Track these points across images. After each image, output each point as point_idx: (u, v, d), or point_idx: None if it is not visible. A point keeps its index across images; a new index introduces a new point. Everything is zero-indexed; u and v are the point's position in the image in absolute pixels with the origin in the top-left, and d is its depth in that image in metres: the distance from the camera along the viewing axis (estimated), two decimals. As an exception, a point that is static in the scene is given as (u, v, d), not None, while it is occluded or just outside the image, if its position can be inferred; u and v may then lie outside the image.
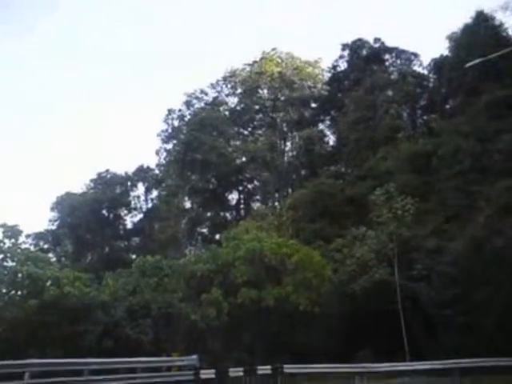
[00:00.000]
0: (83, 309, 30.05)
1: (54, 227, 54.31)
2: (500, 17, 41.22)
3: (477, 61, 20.39)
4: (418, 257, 28.70)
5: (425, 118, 49.44)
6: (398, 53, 53.22)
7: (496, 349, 22.03)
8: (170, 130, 59.19)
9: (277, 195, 56.78)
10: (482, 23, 41.39)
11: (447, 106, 46.54)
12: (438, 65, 46.99)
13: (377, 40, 53.88)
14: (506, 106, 34.65)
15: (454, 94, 43.89)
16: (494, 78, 37.23)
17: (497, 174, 30.16)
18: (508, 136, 31.56)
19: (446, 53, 46.19)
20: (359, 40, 54.38)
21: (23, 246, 35.91)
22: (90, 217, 51.79)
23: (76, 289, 30.75)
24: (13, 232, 33.81)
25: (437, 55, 47.92)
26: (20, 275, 31.85)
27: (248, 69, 61.35)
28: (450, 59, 43.90)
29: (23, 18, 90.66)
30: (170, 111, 59.65)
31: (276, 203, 55.77)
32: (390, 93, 47.80)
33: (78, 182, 69.82)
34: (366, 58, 53.69)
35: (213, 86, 61.76)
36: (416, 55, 52.26)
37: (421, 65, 51.66)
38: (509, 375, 20.32)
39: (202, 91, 61.28)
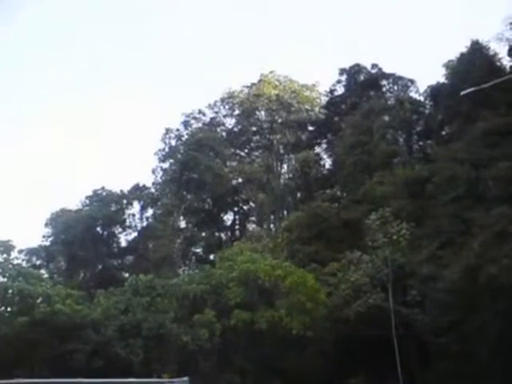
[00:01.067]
0: (73, 327, 29.75)
1: (47, 243, 53.80)
2: (495, 47, 42.03)
3: (471, 89, 20.69)
4: (412, 283, 28.59)
5: (421, 143, 49.85)
6: (395, 79, 53.90)
7: (492, 377, 21.86)
8: (167, 149, 59.25)
9: (272, 217, 56.78)
10: (478, 52, 42.14)
11: (443, 133, 46.99)
12: (435, 92, 47.58)
13: (374, 66, 54.63)
14: (501, 134, 34.97)
15: (449, 121, 44.36)
16: (490, 106, 37.70)
17: (491, 201, 30.29)
18: (503, 163, 31.75)
19: (442, 80, 46.86)
20: (357, 65, 55.09)
21: (15, 262, 35.79)
22: (85, 234, 51.44)
23: (67, 306, 30.47)
24: (5, 247, 33.65)
25: (433, 82, 48.56)
26: (10, 291, 31.58)
27: (246, 91, 61.91)
28: (447, 86, 44.51)
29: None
30: (167, 130, 59.83)
31: (271, 225, 55.75)
32: (386, 118, 48.20)
33: (73, 199, 69.30)
34: (364, 83, 54.34)
35: (211, 107, 62.21)
36: (413, 82, 52.96)
37: (417, 91, 52.33)
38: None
39: (200, 111, 61.67)
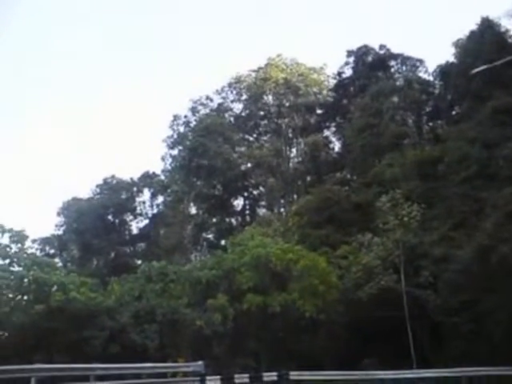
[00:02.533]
0: (89, 314, 30.14)
1: (60, 232, 54.53)
2: (505, 23, 41.30)
3: (482, 67, 20.43)
4: (424, 264, 28.57)
5: (431, 124, 49.46)
6: (404, 59, 53.26)
7: (504, 357, 21.91)
8: (175, 136, 59.41)
9: (282, 201, 56.83)
10: (488, 30, 41.47)
11: (453, 113, 46.54)
12: (444, 71, 47.02)
13: (382, 47, 53.99)
14: (512, 113, 34.62)
15: (460, 101, 43.90)
16: (500, 84, 37.23)
17: (503, 181, 30.05)
18: (515, 142, 31.48)
19: (451, 59, 46.30)
20: (364, 46, 54.49)
21: (29, 251, 36.18)
22: (96, 222, 51.99)
23: (82, 294, 30.85)
24: (19, 237, 34.01)
25: (442, 61, 47.98)
26: (26, 280, 31.99)
27: (253, 75, 61.57)
28: (456, 66, 43.96)
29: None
30: (175, 117, 59.94)
31: (281, 209, 55.83)
32: (395, 99, 47.82)
33: (84, 188, 70.00)
34: (372, 65, 53.81)
35: (218, 93, 62.06)
36: (421, 62, 52.33)
37: (426, 71, 51.73)
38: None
39: (208, 97, 61.56)
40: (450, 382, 22.42)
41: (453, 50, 45.90)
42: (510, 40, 41.57)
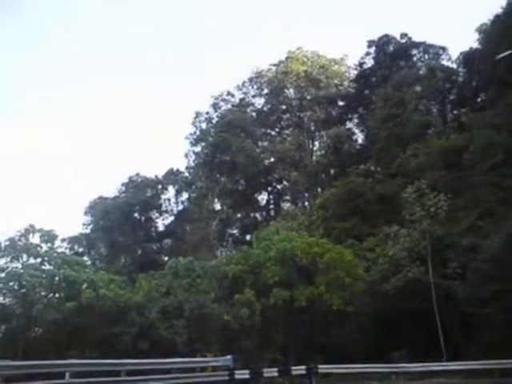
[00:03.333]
0: (118, 311, 30.74)
1: (87, 231, 55.56)
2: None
3: (507, 53, 20.00)
4: (452, 255, 28.15)
5: (455, 112, 48.50)
6: (426, 47, 52.37)
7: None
8: (198, 133, 59.71)
9: (306, 195, 56.64)
10: (513, 13, 40.36)
11: (478, 100, 45.55)
12: (468, 58, 46.03)
13: (403, 35, 53.20)
14: (540, 98, 33.76)
15: (484, 87, 42.95)
16: (527, 69, 36.29)
17: (531, 168, 29.44)
18: (542, 128, 30.75)
19: (475, 45, 45.23)
20: (385, 36, 53.78)
21: (59, 250, 37.11)
22: (123, 220, 52.82)
23: (111, 291, 31.49)
24: (49, 237, 34.88)
25: (466, 48, 46.98)
26: (57, 278, 32.85)
27: (274, 69, 61.37)
28: (480, 52, 42.95)
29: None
30: (197, 114, 60.23)
31: (306, 203, 55.67)
32: (418, 88, 47.04)
33: (110, 187, 71.11)
34: (393, 54, 53.09)
35: (239, 88, 62.08)
36: (444, 49, 51.36)
37: (449, 59, 50.76)
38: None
39: (229, 93, 61.64)
40: (482, 375, 22.07)
41: (476, 36, 44.82)
42: (537, 23, 40.39)
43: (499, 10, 41.02)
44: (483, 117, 37.05)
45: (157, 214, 57.80)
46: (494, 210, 29.91)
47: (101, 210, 54.24)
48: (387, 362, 23.71)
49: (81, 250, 53.70)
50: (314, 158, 58.09)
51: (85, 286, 32.54)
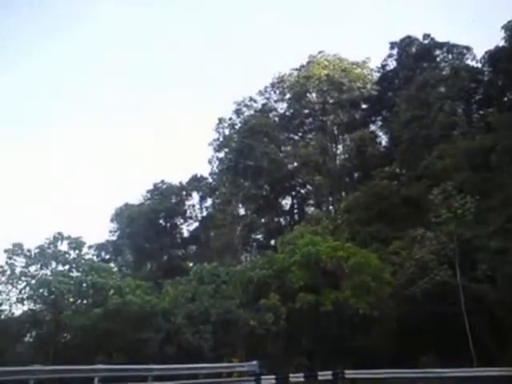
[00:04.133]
0: (145, 316, 31.03)
1: (114, 238, 56.37)
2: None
3: (535, 50, 19.52)
4: (480, 257, 27.61)
5: (481, 112, 47.58)
6: (450, 47, 51.68)
7: None
8: (221, 139, 60.02)
9: (330, 199, 56.31)
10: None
11: (504, 99, 44.70)
12: (493, 57, 45.20)
13: (426, 36, 52.67)
14: None
15: (511, 87, 42.17)
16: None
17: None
18: None
19: (501, 43, 44.40)
20: (408, 37, 53.31)
21: (87, 257, 37.68)
22: (148, 226, 53.39)
23: (137, 297, 31.83)
24: (77, 244, 35.49)
25: (491, 47, 46.15)
26: (85, 285, 33.36)
27: (296, 73, 61.31)
28: (507, 50, 42.19)
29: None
30: (220, 120, 60.55)
31: (330, 207, 55.33)
32: (442, 89, 46.39)
33: (136, 194, 72.01)
34: (416, 55, 52.55)
35: (261, 93, 62.19)
36: (468, 48, 50.59)
37: (474, 58, 49.94)
38: None
39: (251, 99, 61.83)
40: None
41: (502, 34, 43.99)
42: None
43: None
44: (510, 117, 36.36)
45: (181, 221, 58.29)
46: (524, 212, 29.28)
47: (127, 217, 54.96)
48: (414, 367, 23.38)
49: (107, 256, 54.46)
50: (337, 161, 57.74)
51: (112, 292, 32.97)
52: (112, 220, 56.74)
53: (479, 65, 48.69)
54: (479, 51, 49.41)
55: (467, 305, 26.05)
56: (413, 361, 24.76)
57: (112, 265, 48.53)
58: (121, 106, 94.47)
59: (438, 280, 27.11)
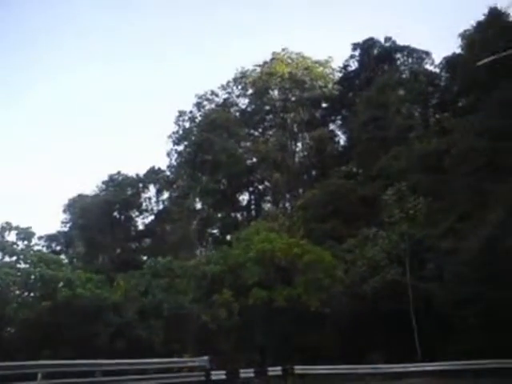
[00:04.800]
0: (95, 310, 30.37)
1: (65, 229, 54.94)
2: (513, 14, 40.67)
3: (489, 59, 20.14)
4: (430, 257, 28.35)
5: (437, 116, 48.87)
6: (410, 51, 52.78)
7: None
8: (180, 132, 59.34)
9: (288, 196, 56.62)
10: (495, 20, 40.86)
11: (459, 105, 46.04)
12: (451, 63, 46.49)
13: (388, 39, 53.55)
14: (519, 104, 34.17)
15: (466, 92, 43.40)
16: (507, 75, 36.74)
17: (509, 173, 29.73)
18: (521, 134, 31.13)
19: (458, 51, 45.72)
20: (370, 39, 54.05)
21: (36, 248, 36.55)
22: (102, 218, 52.16)
23: (88, 290, 31.12)
24: (26, 234, 34.35)
25: (449, 53, 47.47)
26: (33, 277, 32.33)
27: (258, 70, 61.23)
28: (463, 57, 43.41)
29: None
30: (180, 113, 59.84)
31: (287, 204, 55.64)
32: (401, 92, 47.37)
33: (90, 184, 70.39)
34: (377, 58, 53.37)
35: (223, 88, 61.83)
36: (428, 54, 51.85)
37: (433, 63, 51.25)
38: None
39: (213, 93, 61.39)
40: (456, 375, 22.29)
41: (459, 42, 45.31)
42: (517, 30, 40.96)
43: (482, 18, 41.61)
44: (464, 122, 37.42)
45: (137, 213, 57.22)
46: (473, 214, 30.19)
47: (80, 208, 53.56)
48: (363, 363, 23.81)
49: (58, 248, 53.06)
50: (296, 159, 58.12)
51: (61, 284, 32.08)
52: (64, 211, 55.25)
53: (437, 70, 50.05)
54: (438, 57, 50.85)
55: (416, 303, 26.69)
56: (362, 357, 25.21)
57: (62, 257, 47.34)
58: (79, 93, 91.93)
59: (389, 278, 27.65)
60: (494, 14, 41.04)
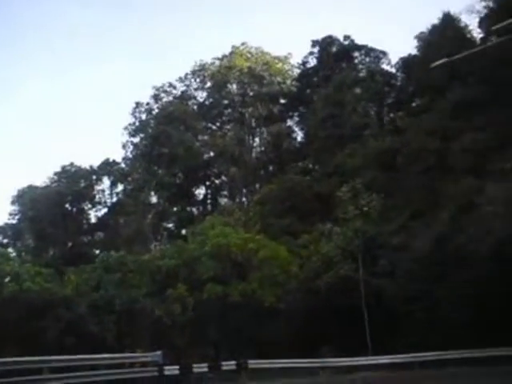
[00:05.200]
0: (44, 305, 29.45)
1: (14, 221, 52.98)
2: (465, 19, 42.21)
3: (442, 61, 20.68)
4: (382, 253, 28.99)
5: (391, 115, 49.94)
6: (367, 51, 53.59)
7: (456, 342, 22.58)
8: (137, 124, 58.20)
9: (244, 191, 56.62)
10: (449, 24, 42.16)
11: (414, 105, 47.22)
12: (406, 64, 47.58)
13: (346, 37, 54.19)
14: (470, 106, 35.38)
15: (420, 93, 44.58)
16: (459, 78, 37.99)
17: (460, 173, 30.79)
18: (471, 135, 32.25)
19: (414, 52, 46.85)
20: (329, 37, 54.56)
21: (-19, 241, 34.99)
22: (53, 211, 50.57)
23: (36, 284, 30.12)
24: (-30, 226, 32.82)
25: (405, 54, 48.56)
26: (-22, 271, 30.96)
27: (217, 63, 60.78)
28: (418, 58, 44.49)
29: None
30: (137, 104, 58.68)
31: (243, 199, 55.65)
32: (358, 90, 48.10)
33: (41, 175, 68.17)
34: (336, 55, 53.96)
35: (181, 80, 61.01)
36: (384, 53, 52.78)
37: (389, 63, 52.20)
38: (469, 367, 20.91)
39: (171, 85, 60.48)
40: (404, 367, 23.02)
41: (415, 43, 46.46)
42: (468, 35, 42.42)
43: (436, 21, 42.85)
44: (418, 121, 38.41)
45: (89, 206, 55.72)
46: (424, 212, 31.08)
47: (30, 200, 51.72)
48: (316, 357, 24.15)
49: (6, 241, 51.15)
50: (253, 154, 58.10)
51: (8, 278, 30.92)
52: (13, 202, 53.16)
53: (393, 70, 51.10)
54: (394, 57, 51.87)
55: (367, 298, 27.27)
56: (315, 351, 25.57)
57: (10, 250, 45.69)
58: (33, 80, 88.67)
59: (342, 274, 28.11)
60: (448, 19, 42.37)
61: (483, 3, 36.53)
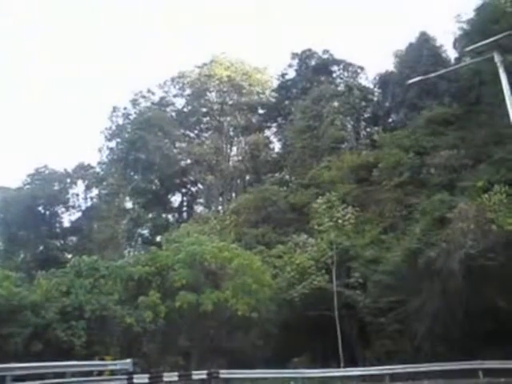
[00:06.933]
0: (11, 310, 28.58)
1: (-17, 224, 51.66)
2: (441, 39, 43.65)
3: (417, 78, 21.31)
4: (355, 265, 29.29)
5: (368, 130, 50.86)
6: (346, 65, 54.59)
7: (427, 354, 22.93)
8: (114, 128, 57.70)
9: (220, 199, 56.60)
10: (425, 43, 43.38)
11: (390, 120, 48.20)
12: (383, 79, 48.61)
13: (326, 51, 55.13)
14: (443, 123, 36.35)
15: (396, 109, 45.58)
16: (434, 95, 39.02)
17: (433, 188, 31.50)
18: (444, 152, 33.05)
19: (391, 68, 47.92)
20: (309, 50, 55.39)
21: None
22: (25, 213, 49.48)
23: (4, 289, 29.27)
24: None
25: (382, 70, 49.58)
26: None
27: (197, 71, 60.91)
28: (395, 75, 45.59)
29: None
30: (115, 108, 58.26)
31: (219, 207, 55.57)
32: (335, 104, 48.84)
33: (13, 177, 66.84)
34: (315, 69, 54.76)
35: (160, 86, 60.99)
36: (362, 69, 53.88)
37: (367, 78, 53.40)
38: (440, 379, 21.27)
39: (149, 90, 60.34)
40: (375, 379, 23.23)
41: (392, 60, 47.54)
42: (444, 54, 43.67)
43: (413, 40, 44.05)
44: (393, 136, 39.21)
45: (63, 209, 54.74)
46: (397, 225, 31.62)
47: (1, 201, 50.62)
48: (289, 368, 24.18)
49: (-26, 243, 49.86)
50: (230, 163, 58.24)
51: (-26, 282, 30.01)
52: (-16, 204, 51.95)
53: (371, 85, 52.10)
54: (371, 73, 52.87)
55: (340, 310, 27.49)
56: (288, 361, 25.58)
57: (-22, 253, 44.51)
58: (10, 81, 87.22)
59: (316, 285, 28.25)
60: (424, 38, 43.58)
61: (458, 25, 37.70)
